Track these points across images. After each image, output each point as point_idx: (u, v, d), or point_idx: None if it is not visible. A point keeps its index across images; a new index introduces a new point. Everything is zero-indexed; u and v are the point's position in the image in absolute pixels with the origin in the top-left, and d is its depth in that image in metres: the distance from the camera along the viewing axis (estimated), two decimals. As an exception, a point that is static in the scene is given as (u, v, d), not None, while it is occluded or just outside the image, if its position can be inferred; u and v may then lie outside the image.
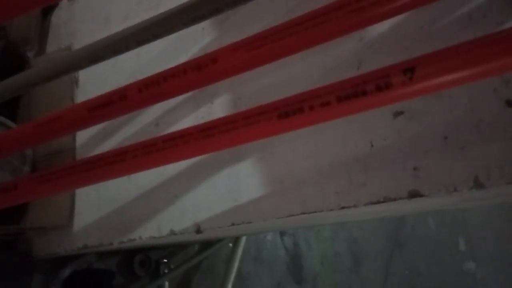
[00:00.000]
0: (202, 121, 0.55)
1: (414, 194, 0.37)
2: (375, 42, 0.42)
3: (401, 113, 0.38)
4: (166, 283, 1.00)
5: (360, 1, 0.24)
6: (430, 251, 1.85)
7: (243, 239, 1.19)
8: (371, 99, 0.23)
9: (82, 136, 0.69)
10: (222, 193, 0.51)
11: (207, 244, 1.13)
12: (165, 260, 1.02)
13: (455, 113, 0.35)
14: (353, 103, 0.23)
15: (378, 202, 0.38)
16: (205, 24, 0.57)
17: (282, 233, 1.38)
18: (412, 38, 0.39)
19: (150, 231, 0.58)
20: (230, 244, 1.19)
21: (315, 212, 0.42)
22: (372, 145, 0.40)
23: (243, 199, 0.48)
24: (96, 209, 0.65)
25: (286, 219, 0.45)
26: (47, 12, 0.87)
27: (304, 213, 0.43)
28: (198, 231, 0.52)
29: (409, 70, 0.21)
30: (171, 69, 0.31)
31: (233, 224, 0.49)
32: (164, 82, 0.30)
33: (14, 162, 0.72)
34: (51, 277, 0.81)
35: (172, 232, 0.55)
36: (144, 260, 0.97)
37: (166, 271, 1.01)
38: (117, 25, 0.72)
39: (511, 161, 0.32)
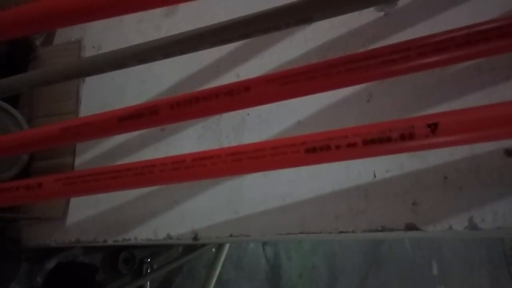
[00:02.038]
0: (209, 131, 0.57)
1: (411, 227, 0.39)
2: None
3: (406, 149, 0.41)
4: (148, 283, 1.01)
5: (393, 54, 0.27)
6: (404, 272, 1.89)
7: (227, 246, 1.20)
8: (395, 146, 0.25)
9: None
10: (223, 204, 0.52)
11: (190, 248, 1.14)
12: (149, 260, 1.02)
13: (456, 156, 0.38)
14: (378, 147, 0.25)
15: (376, 231, 0.41)
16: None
17: (264, 243, 1.39)
18: (422, 79, 0.41)
19: (146, 233, 0.59)
20: (213, 249, 1.20)
21: (314, 233, 0.44)
22: (374, 176, 0.42)
23: (244, 212, 0.50)
24: (93, 206, 0.65)
25: (284, 236, 0.47)
26: None
27: (302, 233, 0.45)
28: (196, 238, 0.53)
29: (433, 124, 0.24)
30: (204, 91, 0.33)
31: (231, 236, 0.51)
32: (196, 103, 0.32)
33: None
34: (36, 267, 0.81)
35: (169, 237, 0.56)
36: (128, 257, 0.97)
37: (148, 270, 1.01)
38: (130, 25, 0.73)
39: (504, 207, 0.35)
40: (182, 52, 0.38)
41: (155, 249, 1.06)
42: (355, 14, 0.45)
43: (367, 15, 0.45)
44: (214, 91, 0.32)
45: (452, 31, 0.26)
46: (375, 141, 0.25)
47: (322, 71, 0.28)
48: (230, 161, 0.29)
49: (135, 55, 0.39)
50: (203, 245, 1.14)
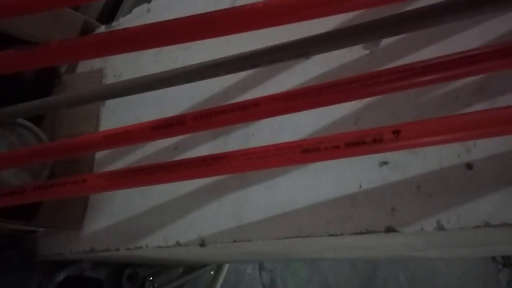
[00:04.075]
0: (217, 149, 0.64)
1: (390, 230, 0.46)
2: (371, 104, 0.52)
3: (386, 163, 0.48)
4: (149, 300, 1.05)
5: (368, 79, 0.35)
6: (399, 306, 1.90)
7: (225, 269, 1.24)
8: (368, 148, 0.32)
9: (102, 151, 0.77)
10: (228, 213, 0.59)
11: (190, 269, 1.19)
12: (151, 278, 1.07)
13: (427, 169, 0.45)
14: (356, 148, 0.32)
15: (361, 233, 0.47)
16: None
17: (261, 268, 1.44)
18: (400, 105, 0.49)
19: (156, 241, 0.65)
20: (212, 272, 1.25)
21: (308, 236, 0.51)
22: (360, 186, 0.49)
23: (246, 220, 0.57)
24: (107, 217, 0.72)
25: (282, 241, 0.54)
26: (84, 34, 0.97)
27: (298, 237, 0.52)
28: (202, 244, 0.60)
29: (397, 131, 0.31)
30: (222, 106, 0.41)
31: (235, 241, 0.57)
32: (215, 115, 0.40)
33: (36, 166, 0.80)
34: (46, 279, 0.86)
35: (178, 244, 0.62)
36: (132, 274, 1.02)
37: (150, 288, 1.06)
38: (149, 57, 0.81)
39: (466, 211, 0.42)
40: (202, 78, 0.46)
41: (157, 268, 1.11)
42: (346, 51, 0.54)
43: (356, 52, 0.53)
44: (230, 107, 0.40)
45: (412, 64, 0.34)
46: (354, 144, 0.32)
47: (316, 92, 0.36)
48: (242, 160, 0.36)
49: (162, 80, 0.47)
50: (203, 266, 1.19)
